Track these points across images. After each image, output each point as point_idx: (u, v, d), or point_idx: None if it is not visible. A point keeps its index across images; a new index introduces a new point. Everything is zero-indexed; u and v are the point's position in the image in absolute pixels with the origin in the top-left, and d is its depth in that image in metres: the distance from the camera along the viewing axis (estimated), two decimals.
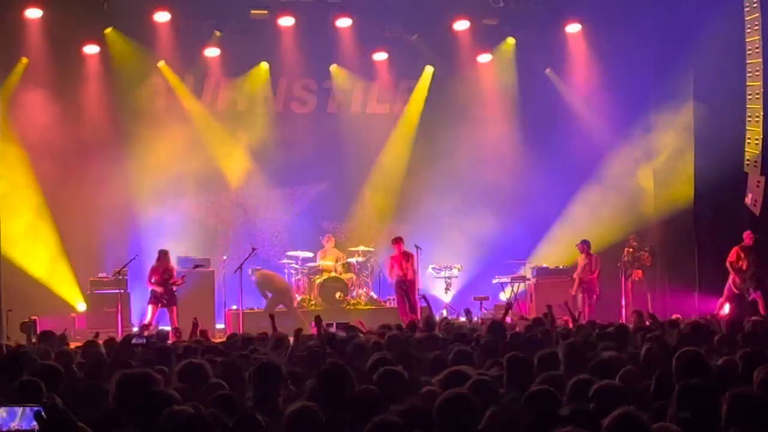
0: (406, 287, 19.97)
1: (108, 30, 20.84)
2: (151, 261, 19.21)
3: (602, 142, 22.49)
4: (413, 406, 6.03)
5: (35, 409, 4.91)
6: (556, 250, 21.96)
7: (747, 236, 18.86)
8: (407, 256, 20.13)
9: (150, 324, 17.92)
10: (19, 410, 4.93)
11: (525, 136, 22.85)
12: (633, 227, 22.19)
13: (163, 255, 18.99)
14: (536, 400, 6.17)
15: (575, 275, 21.00)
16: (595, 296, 20.84)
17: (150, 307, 18.75)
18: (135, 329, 19.19)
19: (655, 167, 22.29)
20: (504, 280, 22.10)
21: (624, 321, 16.91)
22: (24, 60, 20.41)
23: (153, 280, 18.77)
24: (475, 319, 19.43)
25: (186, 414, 5.64)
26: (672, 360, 7.23)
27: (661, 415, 6.15)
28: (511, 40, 22.81)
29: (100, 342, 11.61)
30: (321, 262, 21.88)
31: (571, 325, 13.30)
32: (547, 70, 23.14)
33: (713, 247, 20.27)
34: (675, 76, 20.40)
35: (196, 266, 19.79)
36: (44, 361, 8.52)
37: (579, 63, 22.73)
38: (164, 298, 18.70)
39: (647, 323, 13.02)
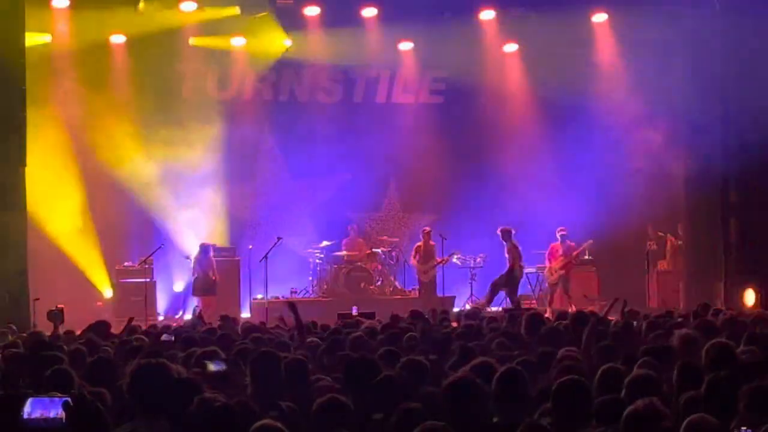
0: None
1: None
2: (175, 250, 19.39)
3: (629, 131, 22.37)
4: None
5: (63, 399, 4.93)
6: (582, 239, 21.78)
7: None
8: None
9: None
10: (48, 400, 4.95)
11: (551, 126, 22.75)
12: (660, 216, 22.17)
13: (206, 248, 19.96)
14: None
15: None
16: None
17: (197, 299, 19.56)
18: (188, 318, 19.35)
19: (682, 156, 22.12)
20: (530, 270, 22.00)
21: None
22: (46, 36, 20.23)
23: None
24: (499, 309, 19.41)
25: (217, 403, 5.59)
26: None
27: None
28: (537, 30, 22.66)
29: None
30: (346, 252, 21.90)
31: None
32: (573, 60, 23.00)
33: (741, 236, 20.14)
34: (703, 64, 20.24)
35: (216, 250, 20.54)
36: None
37: (606, 52, 22.58)
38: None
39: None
